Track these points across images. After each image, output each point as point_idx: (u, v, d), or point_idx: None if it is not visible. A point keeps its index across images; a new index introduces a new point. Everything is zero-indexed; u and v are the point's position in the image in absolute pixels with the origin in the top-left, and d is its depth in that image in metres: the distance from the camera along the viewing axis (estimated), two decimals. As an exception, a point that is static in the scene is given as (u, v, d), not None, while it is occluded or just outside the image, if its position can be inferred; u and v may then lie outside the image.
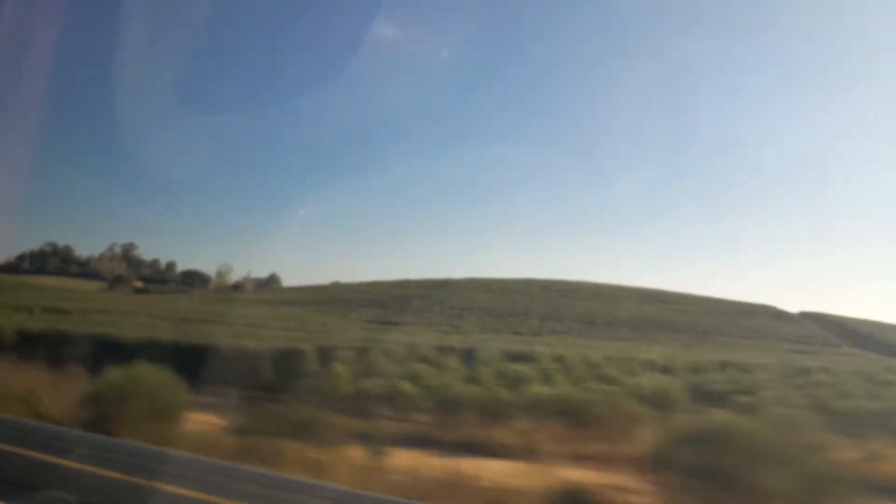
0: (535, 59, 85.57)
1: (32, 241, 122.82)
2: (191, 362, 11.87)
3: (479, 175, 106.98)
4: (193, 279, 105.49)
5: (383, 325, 29.75)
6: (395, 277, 58.06)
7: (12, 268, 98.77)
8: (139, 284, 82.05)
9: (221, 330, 20.91)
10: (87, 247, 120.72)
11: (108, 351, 13.55)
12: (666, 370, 20.33)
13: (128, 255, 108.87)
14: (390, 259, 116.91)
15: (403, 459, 9.04)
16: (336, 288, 59.01)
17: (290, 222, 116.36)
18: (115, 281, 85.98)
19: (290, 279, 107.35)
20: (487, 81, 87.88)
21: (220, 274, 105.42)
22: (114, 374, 9.87)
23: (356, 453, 8.92)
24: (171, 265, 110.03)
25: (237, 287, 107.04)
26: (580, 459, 9.57)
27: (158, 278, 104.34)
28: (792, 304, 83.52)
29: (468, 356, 14.66)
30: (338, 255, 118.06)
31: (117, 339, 15.19)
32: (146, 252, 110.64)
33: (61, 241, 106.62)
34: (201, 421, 10.62)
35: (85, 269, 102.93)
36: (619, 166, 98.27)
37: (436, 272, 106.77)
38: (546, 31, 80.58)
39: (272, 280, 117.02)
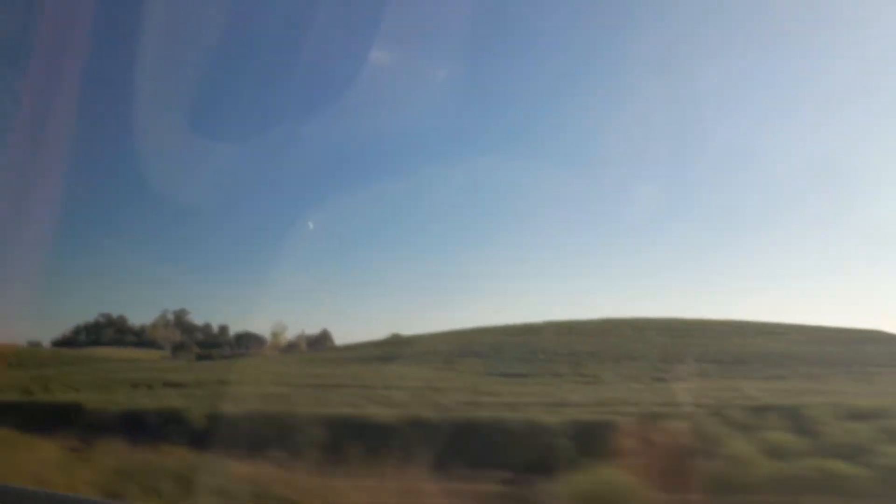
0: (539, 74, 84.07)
1: (86, 314, 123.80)
2: (460, 443, 9.71)
3: (519, 209, 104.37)
4: (248, 341, 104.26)
5: (512, 378, 27.17)
6: (464, 326, 55.50)
7: (69, 342, 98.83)
8: (199, 351, 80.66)
9: (386, 396, 18.61)
10: (139, 315, 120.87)
11: (350, 434, 11.38)
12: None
13: (180, 321, 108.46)
14: (446, 308, 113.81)
15: None
16: (406, 341, 56.54)
17: (338, 278, 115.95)
18: (177, 348, 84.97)
19: (339, 335, 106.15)
20: (505, 100, 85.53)
21: (275, 334, 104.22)
22: (577, 479, 7.37)
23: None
24: (223, 328, 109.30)
25: (292, 346, 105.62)
26: None
27: (212, 342, 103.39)
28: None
29: (788, 415, 11.93)
30: (382, 308, 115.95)
31: (365, 418, 12.95)
32: (196, 316, 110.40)
33: (114, 312, 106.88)
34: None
35: (140, 338, 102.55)
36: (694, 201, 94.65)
37: (509, 317, 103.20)
38: (546, 48, 79.55)
39: (324, 337, 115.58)
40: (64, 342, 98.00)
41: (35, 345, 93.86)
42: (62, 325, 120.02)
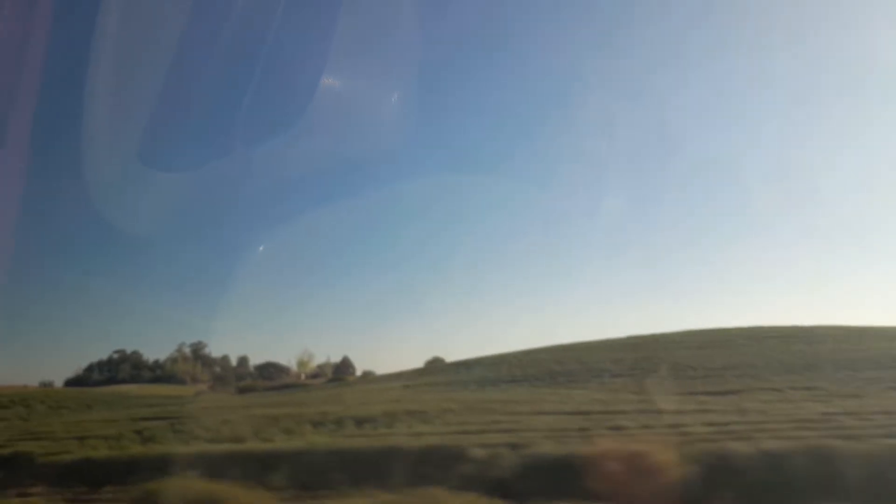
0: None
1: (96, 352, 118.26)
2: None
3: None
4: (272, 371, 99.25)
5: (722, 395, 23.60)
6: (523, 347, 51.89)
7: (82, 380, 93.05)
8: (240, 384, 75.69)
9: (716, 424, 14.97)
10: (151, 351, 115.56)
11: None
12: None
13: (197, 354, 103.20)
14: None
15: None
16: (469, 364, 52.38)
17: (357, 304, 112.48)
18: (218, 382, 79.99)
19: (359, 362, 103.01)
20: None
21: (302, 363, 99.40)
22: None
23: None
24: (243, 360, 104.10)
25: (317, 375, 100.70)
26: None
27: (232, 374, 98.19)
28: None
29: None
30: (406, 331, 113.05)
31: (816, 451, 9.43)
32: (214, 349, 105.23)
33: (127, 348, 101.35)
34: None
35: (156, 374, 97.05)
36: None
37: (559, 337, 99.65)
38: (514, 65, 79.58)
39: (346, 364, 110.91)
40: (77, 381, 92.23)
41: (47, 385, 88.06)
42: (72, 363, 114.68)
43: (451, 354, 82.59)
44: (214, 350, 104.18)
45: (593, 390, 28.08)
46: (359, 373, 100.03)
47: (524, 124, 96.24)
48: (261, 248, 50.00)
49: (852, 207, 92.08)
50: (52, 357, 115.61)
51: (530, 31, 77.53)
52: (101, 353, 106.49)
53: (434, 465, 11.95)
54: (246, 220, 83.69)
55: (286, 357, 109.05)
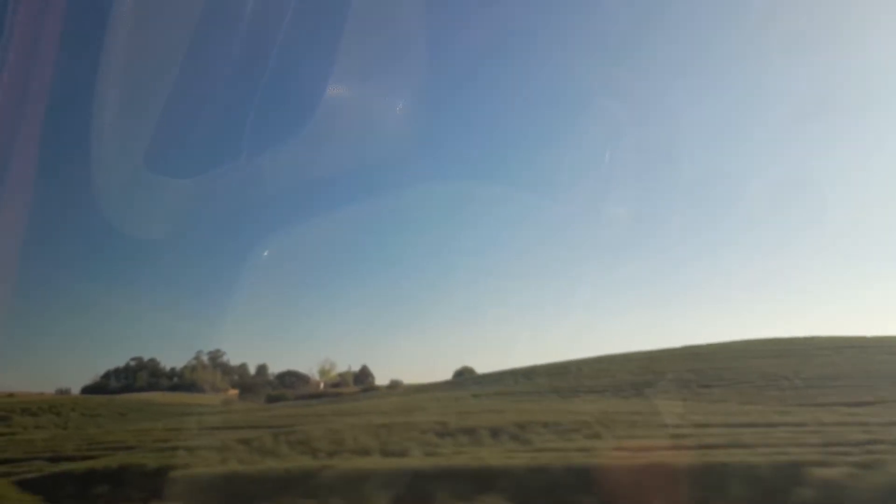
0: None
1: (110, 359, 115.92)
2: None
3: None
4: (292, 380, 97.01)
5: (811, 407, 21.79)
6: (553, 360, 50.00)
7: (99, 388, 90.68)
8: (272, 392, 73.44)
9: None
10: (167, 358, 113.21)
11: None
12: None
13: (216, 363, 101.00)
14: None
15: None
16: (520, 374, 50.34)
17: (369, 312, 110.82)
18: (246, 390, 77.69)
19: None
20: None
21: (323, 371, 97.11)
22: None
23: None
24: (261, 368, 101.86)
25: (338, 384, 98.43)
26: None
27: (250, 382, 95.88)
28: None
29: None
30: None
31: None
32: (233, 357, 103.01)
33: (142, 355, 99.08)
34: None
35: (174, 381, 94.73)
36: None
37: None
38: (513, 74, 78.77)
39: (365, 373, 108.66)
40: (94, 388, 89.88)
41: (64, 392, 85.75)
42: (85, 371, 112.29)
43: (479, 365, 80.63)
44: (230, 358, 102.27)
45: (707, 401, 26.18)
46: (378, 382, 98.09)
47: (544, 134, 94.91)
48: (265, 253, 48.62)
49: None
50: (65, 365, 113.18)
51: (539, 41, 76.58)
52: (114, 360, 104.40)
53: (757, 487, 9.99)
54: (258, 226, 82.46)
55: (300, 365, 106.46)
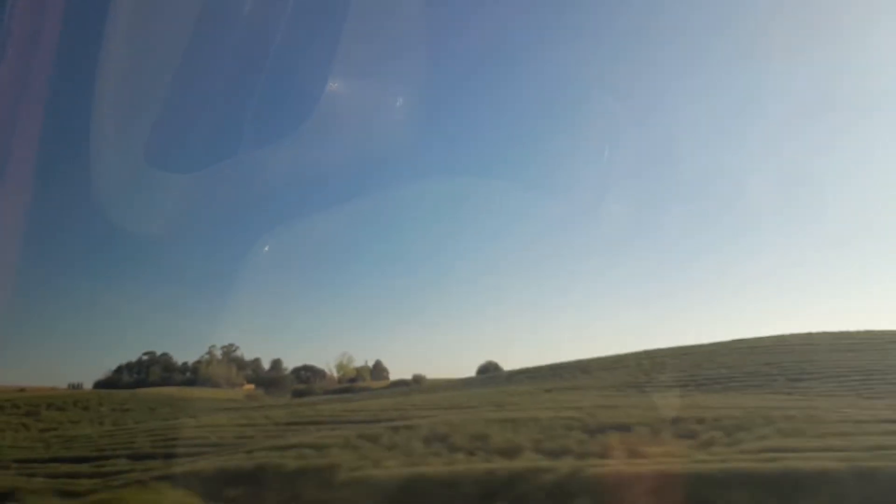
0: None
1: (119, 354, 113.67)
2: None
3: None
4: (308, 375, 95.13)
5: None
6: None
7: (112, 382, 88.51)
8: (297, 387, 71.62)
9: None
10: (181, 353, 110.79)
11: None
12: None
13: (230, 357, 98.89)
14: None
15: None
16: (576, 367, 48.43)
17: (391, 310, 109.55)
18: (269, 385, 75.75)
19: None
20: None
21: (341, 366, 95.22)
22: None
23: None
24: (276, 363, 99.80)
25: (354, 379, 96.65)
26: None
27: (270, 377, 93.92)
28: None
29: None
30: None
31: None
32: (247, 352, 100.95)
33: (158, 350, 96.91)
34: None
35: (187, 376, 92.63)
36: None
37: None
38: (513, 72, 78.10)
39: (379, 368, 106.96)
40: (107, 383, 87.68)
41: (76, 387, 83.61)
42: (96, 365, 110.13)
43: (502, 360, 79.31)
44: (243, 353, 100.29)
45: (810, 397, 24.62)
46: (392, 377, 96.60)
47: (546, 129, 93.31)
48: (266, 248, 47.52)
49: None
50: (72, 360, 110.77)
51: (538, 39, 75.35)
52: (124, 355, 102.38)
53: None
54: (260, 220, 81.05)
55: (312, 360, 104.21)
